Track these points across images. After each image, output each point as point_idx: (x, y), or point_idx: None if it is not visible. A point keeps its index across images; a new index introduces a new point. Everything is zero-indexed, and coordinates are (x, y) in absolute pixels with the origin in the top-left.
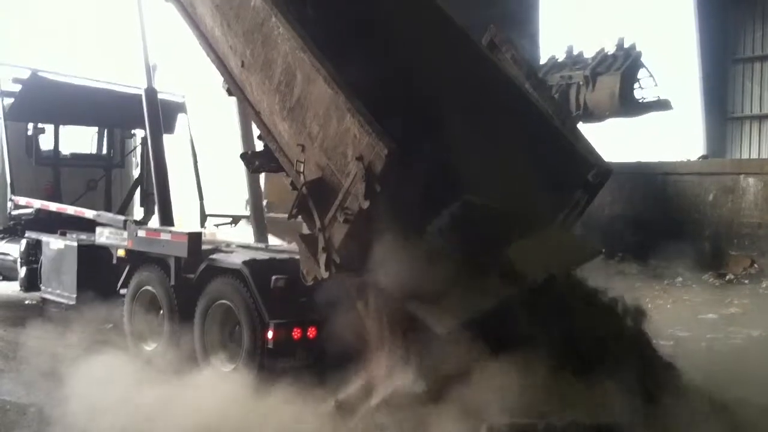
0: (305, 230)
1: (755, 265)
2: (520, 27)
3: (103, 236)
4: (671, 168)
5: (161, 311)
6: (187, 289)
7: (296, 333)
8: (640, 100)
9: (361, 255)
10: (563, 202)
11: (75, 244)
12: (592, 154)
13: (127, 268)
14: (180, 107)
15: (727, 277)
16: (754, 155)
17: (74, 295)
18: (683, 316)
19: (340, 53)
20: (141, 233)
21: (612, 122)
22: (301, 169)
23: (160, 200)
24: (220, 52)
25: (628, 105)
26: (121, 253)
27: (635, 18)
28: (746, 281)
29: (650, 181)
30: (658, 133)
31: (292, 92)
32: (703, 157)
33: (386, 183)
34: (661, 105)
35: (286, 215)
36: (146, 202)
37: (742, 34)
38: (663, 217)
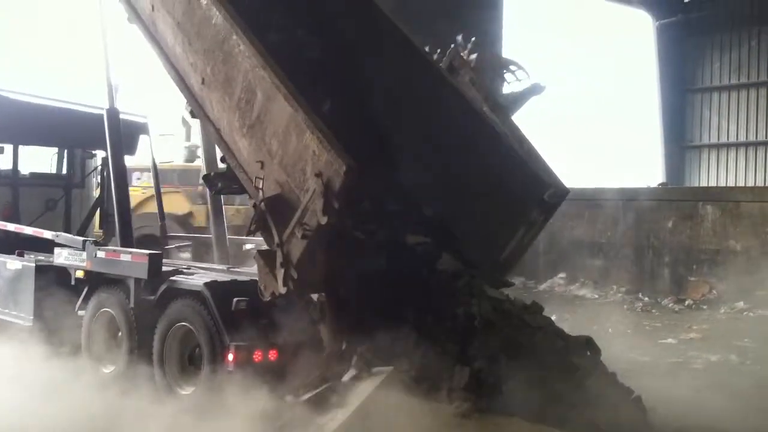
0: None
1: (714, 291)
2: (483, 42)
3: (61, 257)
4: (631, 194)
5: (120, 333)
6: (146, 311)
7: (257, 355)
8: (510, 94)
9: (319, 271)
10: (520, 221)
11: (33, 264)
12: (548, 174)
13: (85, 290)
14: (142, 128)
15: (687, 302)
16: (712, 183)
17: (31, 317)
18: (643, 341)
19: (301, 74)
20: (100, 254)
21: (574, 148)
22: (260, 186)
23: (120, 221)
24: (180, 69)
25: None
26: (79, 273)
27: (596, 46)
28: (705, 306)
29: (611, 207)
30: (619, 160)
31: (252, 109)
32: (663, 184)
33: (344, 199)
34: (532, 90)
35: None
36: (106, 223)
37: (700, 65)
38: (623, 242)
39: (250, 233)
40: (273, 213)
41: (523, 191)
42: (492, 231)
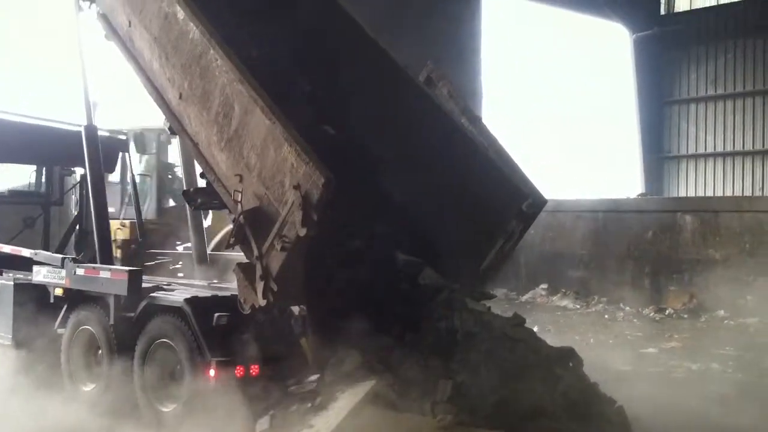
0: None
1: (694, 300)
2: (462, 62)
3: (40, 275)
4: (611, 205)
5: (100, 351)
6: (126, 328)
7: (239, 371)
8: None
9: (299, 283)
10: (499, 232)
11: (11, 283)
12: (526, 185)
13: (64, 307)
14: (122, 145)
15: (667, 311)
16: (691, 193)
17: (10, 335)
18: (625, 350)
19: (278, 88)
20: (79, 271)
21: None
22: (239, 199)
23: (99, 238)
24: (158, 84)
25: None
26: (58, 291)
27: (576, 59)
28: (686, 316)
29: (591, 218)
30: (599, 172)
31: (230, 123)
32: (642, 195)
33: (323, 211)
34: None
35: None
36: (85, 241)
37: (677, 77)
38: (604, 253)
39: (229, 246)
40: (252, 226)
41: (502, 202)
42: (471, 242)
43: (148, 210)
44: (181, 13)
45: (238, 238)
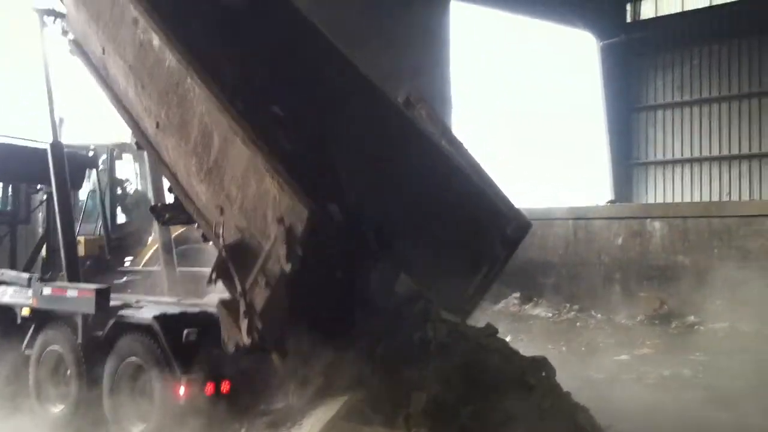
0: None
1: (665, 306)
2: (432, 72)
3: (6, 295)
4: (581, 213)
5: (68, 371)
6: (95, 348)
7: (209, 388)
8: None
9: (284, 320)
10: (483, 257)
11: None
12: (510, 209)
13: (32, 328)
14: (89, 162)
15: (639, 318)
16: (660, 199)
17: None
18: (597, 358)
19: (258, 115)
20: (46, 291)
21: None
22: (221, 232)
23: (66, 256)
24: (134, 113)
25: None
26: (26, 312)
27: (543, 68)
28: (657, 321)
29: (561, 226)
30: (567, 179)
31: (210, 153)
32: (611, 201)
33: (308, 245)
34: None
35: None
36: (52, 259)
37: (644, 84)
38: (574, 261)
39: (211, 282)
40: (235, 260)
41: (485, 226)
42: (455, 268)
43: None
44: (156, 41)
45: (220, 273)
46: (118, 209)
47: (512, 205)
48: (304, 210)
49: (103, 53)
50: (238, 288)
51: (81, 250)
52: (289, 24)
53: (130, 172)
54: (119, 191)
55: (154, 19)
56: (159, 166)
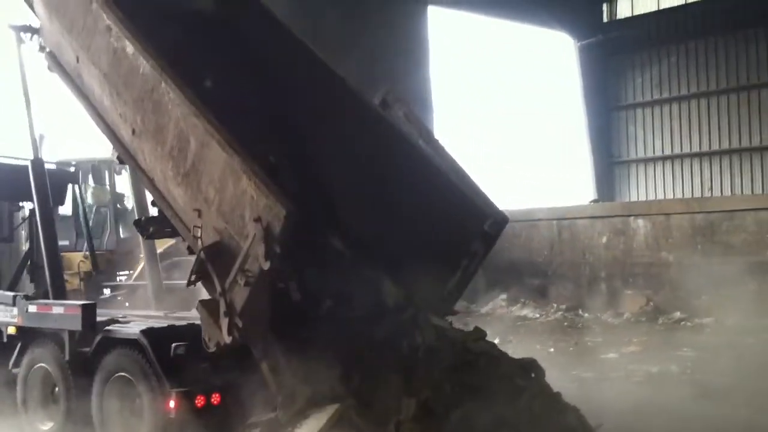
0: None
1: (651, 303)
2: (412, 76)
3: None
4: (564, 213)
5: (56, 388)
6: (83, 364)
7: (200, 401)
8: None
9: (264, 318)
10: (462, 253)
11: None
12: (488, 205)
13: (18, 346)
14: (71, 177)
15: (625, 315)
16: (642, 197)
17: None
18: (586, 357)
19: (235, 119)
20: (32, 308)
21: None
22: (199, 234)
23: (51, 273)
24: (109, 121)
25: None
26: (11, 330)
27: (522, 70)
28: (643, 319)
29: (545, 227)
30: (550, 180)
31: (186, 157)
32: (594, 201)
33: (285, 244)
34: None
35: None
36: (36, 276)
37: (622, 83)
38: (560, 260)
39: (190, 283)
40: (213, 261)
41: (464, 223)
42: (435, 264)
43: (109, 241)
44: (130, 48)
45: (199, 275)
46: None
47: (490, 202)
48: (282, 209)
49: (78, 62)
50: (218, 288)
51: (89, 266)
52: (267, 31)
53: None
54: (118, 206)
55: (128, 27)
56: (136, 172)
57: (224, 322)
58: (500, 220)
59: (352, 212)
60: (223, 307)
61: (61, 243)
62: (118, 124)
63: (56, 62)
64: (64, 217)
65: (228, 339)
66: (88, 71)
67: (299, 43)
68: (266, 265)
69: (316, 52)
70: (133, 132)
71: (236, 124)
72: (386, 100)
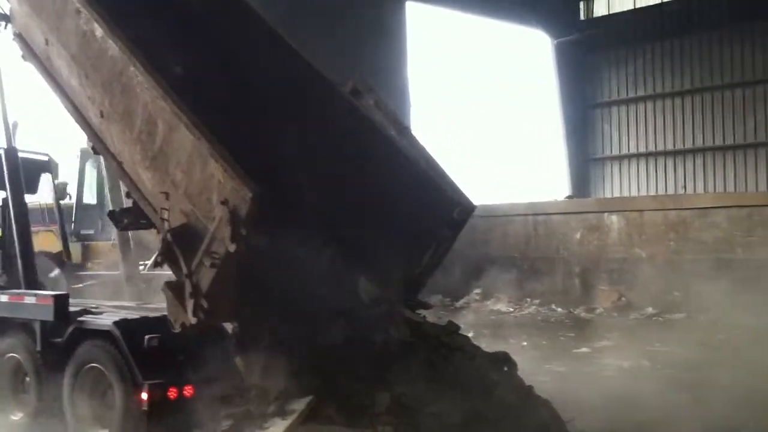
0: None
1: (623, 298)
2: (389, 72)
3: None
4: (540, 208)
5: (27, 379)
6: (55, 355)
7: (172, 393)
8: None
9: (230, 299)
10: (430, 239)
11: None
12: (456, 193)
13: None
14: (44, 166)
15: (598, 311)
16: (616, 193)
17: None
18: (558, 351)
19: (206, 106)
20: (3, 298)
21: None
22: (166, 217)
23: (23, 263)
24: (78, 103)
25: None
26: None
27: (499, 67)
28: (615, 314)
29: (521, 222)
30: (527, 176)
31: (154, 141)
32: (569, 197)
33: (251, 226)
34: None
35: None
36: (8, 265)
37: (598, 81)
38: (535, 255)
39: (156, 265)
40: (180, 243)
41: (433, 210)
42: (403, 250)
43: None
44: (99, 31)
45: (165, 257)
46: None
47: (458, 189)
48: (248, 192)
49: (47, 44)
50: (184, 270)
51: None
52: (240, 20)
53: None
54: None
55: (97, 10)
56: (105, 155)
57: (189, 303)
58: (468, 207)
59: (321, 199)
60: (188, 288)
61: (86, 232)
62: (87, 107)
63: (26, 45)
64: (88, 206)
65: (193, 320)
66: (57, 53)
67: (272, 32)
68: (232, 247)
69: (289, 41)
70: (102, 115)
71: (205, 112)
72: (357, 89)
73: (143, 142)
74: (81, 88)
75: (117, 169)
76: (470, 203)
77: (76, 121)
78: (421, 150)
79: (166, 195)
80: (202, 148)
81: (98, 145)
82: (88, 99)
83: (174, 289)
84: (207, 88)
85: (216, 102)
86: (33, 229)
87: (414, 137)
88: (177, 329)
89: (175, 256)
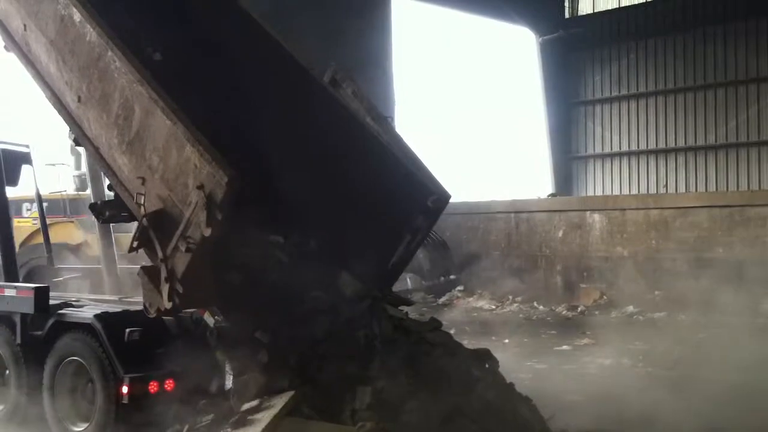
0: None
1: (605, 297)
2: (374, 67)
3: None
4: (522, 206)
5: (7, 371)
6: (35, 347)
7: (153, 386)
8: None
9: (206, 285)
10: (405, 228)
11: None
12: (432, 182)
13: None
14: (24, 158)
15: (579, 308)
16: (599, 192)
17: None
18: (539, 349)
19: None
20: None
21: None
22: (142, 202)
23: (3, 255)
24: (56, 88)
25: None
26: None
27: (483, 63)
28: (597, 312)
29: (503, 219)
30: (509, 173)
31: (131, 126)
32: (552, 195)
33: (227, 211)
34: None
35: None
36: None
37: (582, 79)
38: (517, 253)
39: (132, 250)
40: (156, 228)
41: (408, 199)
42: (378, 239)
43: None
44: (77, 16)
45: (141, 241)
46: None
47: (434, 179)
48: (224, 176)
49: (25, 30)
50: (160, 255)
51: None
52: (219, 8)
53: None
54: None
55: None
56: (82, 141)
57: (165, 288)
58: (443, 196)
59: (297, 188)
60: (164, 273)
61: None
62: (64, 92)
63: (6, 32)
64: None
65: (168, 305)
66: (35, 39)
67: (252, 21)
68: (207, 232)
69: (270, 32)
70: (79, 99)
71: (182, 98)
72: (335, 79)
73: (120, 127)
74: (58, 73)
75: (94, 155)
76: (445, 192)
77: (54, 107)
78: (397, 139)
79: (143, 180)
80: (179, 133)
81: (76, 131)
82: (65, 84)
83: (149, 273)
84: (185, 74)
85: (193, 88)
86: (52, 219)
87: (391, 126)
88: (152, 314)
89: (151, 241)
